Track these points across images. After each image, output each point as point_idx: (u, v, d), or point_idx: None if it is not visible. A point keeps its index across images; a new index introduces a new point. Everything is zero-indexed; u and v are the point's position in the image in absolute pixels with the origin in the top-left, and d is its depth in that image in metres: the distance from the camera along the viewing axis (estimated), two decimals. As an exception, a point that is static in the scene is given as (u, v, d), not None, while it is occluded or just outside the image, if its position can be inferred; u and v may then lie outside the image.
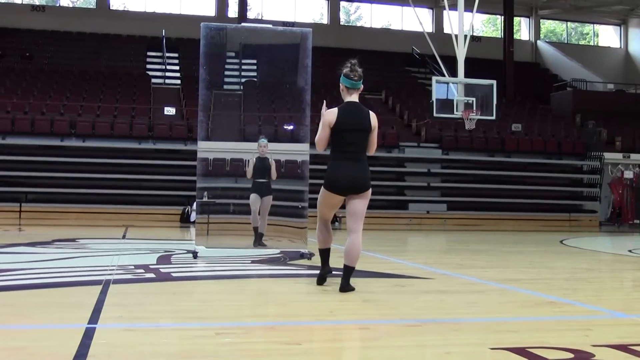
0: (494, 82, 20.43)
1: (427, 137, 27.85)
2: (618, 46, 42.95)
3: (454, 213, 25.80)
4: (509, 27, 35.74)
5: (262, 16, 37.96)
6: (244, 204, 11.98)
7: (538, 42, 41.72)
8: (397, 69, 36.70)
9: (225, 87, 12.67)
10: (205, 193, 10.96)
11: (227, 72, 12.60)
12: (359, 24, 41.53)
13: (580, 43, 44.34)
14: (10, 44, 32.54)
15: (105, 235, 15.71)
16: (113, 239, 14.72)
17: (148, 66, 33.56)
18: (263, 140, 12.02)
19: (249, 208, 11.90)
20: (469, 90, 20.04)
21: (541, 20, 42.51)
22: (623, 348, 4.48)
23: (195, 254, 10.19)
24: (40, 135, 24.05)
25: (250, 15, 36.66)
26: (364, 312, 5.97)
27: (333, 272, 7.35)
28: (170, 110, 26.25)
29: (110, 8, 36.59)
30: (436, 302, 6.52)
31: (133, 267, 8.87)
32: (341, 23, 39.78)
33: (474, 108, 19.79)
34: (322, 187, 6.97)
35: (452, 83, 20.15)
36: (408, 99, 31.87)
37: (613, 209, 28.51)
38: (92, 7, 36.97)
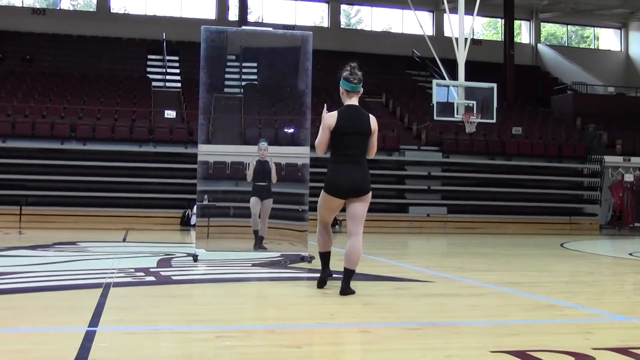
0: (495, 85, 20.43)
1: (427, 140, 27.85)
2: (618, 49, 42.98)
3: (455, 216, 25.80)
4: (509, 31, 35.76)
5: (262, 19, 37.97)
6: (244, 207, 11.98)
7: (538, 45, 41.75)
8: (398, 72, 36.72)
9: (226, 90, 12.65)
10: (206, 196, 10.95)
11: (227, 75, 12.57)
12: (359, 27, 41.54)
13: (580, 46, 44.36)
14: (11, 47, 32.57)
15: (106, 238, 15.71)
16: (113, 242, 14.73)
17: (148, 69, 33.58)
18: (263, 144, 12.03)
19: (249, 211, 11.90)
20: (469, 93, 20.04)
21: (542, 24, 42.53)
22: (624, 351, 4.48)
23: (195, 257, 10.19)
24: (41, 139, 24.05)
25: (251, 18, 36.69)
26: (364, 315, 5.96)
27: (333, 275, 7.35)
28: (170, 114, 26.26)
29: (111, 11, 36.62)
30: (437, 305, 6.51)
31: (133, 270, 8.87)
32: (342, 26, 39.80)
33: (475, 111, 19.79)
34: (322, 190, 6.97)
35: (453, 86, 20.15)
36: (408, 102, 31.88)
37: (613, 212, 28.52)
38: (92, 10, 37.00)
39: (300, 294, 7.19)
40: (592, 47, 44.31)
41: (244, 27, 15.43)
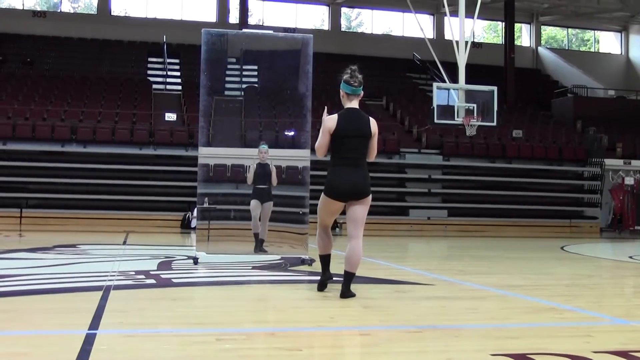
0: (495, 88, 20.43)
1: (427, 143, 27.86)
2: (619, 52, 42.99)
3: (455, 219, 25.78)
4: (509, 34, 35.79)
5: (263, 22, 38.01)
6: (244, 210, 11.97)
7: (539, 48, 41.77)
8: (398, 75, 36.73)
9: (226, 93, 12.65)
10: (206, 199, 10.95)
11: (228, 78, 12.57)
12: (360, 30, 41.56)
13: (581, 49, 44.38)
14: (12, 50, 32.59)
15: (106, 241, 15.71)
16: (114, 244, 14.72)
17: (149, 72, 33.60)
18: (263, 146, 12.02)
19: (250, 214, 11.89)
20: (469, 96, 20.05)
21: (542, 27, 42.54)
22: (624, 354, 4.48)
23: (195, 260, 10.19)
24: (41, 141, 24.05)
25: (251, 21, 36.71)
26: (364, 318, 5.96)
27: (334, 278, 7.35)
28: (171, 116, 26.26)
29: (112, 14, 36.66)
30: (437, 308, 6.51)
31: (134, 273, 8.86)
32: (342, 29, 39.82)
33: (475, 114, 19.78)
34: (323, 193, 6.98)
35: (453, 89, 20.15)
36: (409, 105, 31.89)
37: (614, 215, 28.50)
38: (93, 13, 37.03)
39: (301, 297, 7.19)
40: (592, 50, 44.33)
41: (244, 30, 15.45)
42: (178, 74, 33.11)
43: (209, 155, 11.36)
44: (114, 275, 8.42)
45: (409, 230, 24.75)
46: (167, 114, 26.30)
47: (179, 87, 31.50)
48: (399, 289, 7.83)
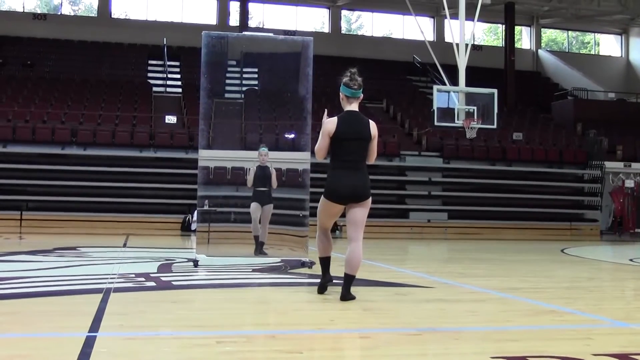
0: (495, 91, 20.42)
1: (428, 145, 27.86)
2: (619, 55, 42.99)
3: (455, 222, 25.78)
4: (510, 36, 35.80)
5: (263, 25, 38.02)
6: (244, 212, 11.97)
7: (539, 51, 41.77)
8: (398, 77, 36.74)
9: (227, 95, 12.68)
10: (206, 201, 10.96)
11: (228, 81, 12.60)
12: (360, 33, 41.56)
13: (581, 52, 44.38)
14: (12, 52, 32.60)
15: (106, 244, 15.71)
16: (114, 247, 14.72)
17: (149, 74, 33.61)
18: (263, 149, 12.02)
19: (250, 217, 11.90)
20: (470, 99, 20.05)
21: (542, 29, 42.54)
22: (624, 357, 4.48)
23: (196, 263, 10.19)
24: (41, 144, 24.05)
25: (252, 24, 36.71)
26: (364, 321, 5.96)
27: (334, 281, 7.35)
28: (171, 119, 26.26)
29: (112, 16, 36.66)
30: (437, 311, 6.51)
31: (134, 275, 8.87)
32: (342, 32, 39.83)
33: (475, 117, 19.78)
34: (322, 196, 6.98)
35: (453, 92, 20.15)
36: (409, 108, 31.89)
37: (614, 218, 28.49)
38: (93, 15, 37.03)
39: (301, 300, 7.19)
40: (592, 53, 44.32)
41: (244, 33, 15.47)
42: (178, 76, 33.12)
43: (209, 157, 11.37)
44: (114, 278, 8.42)
45: (409, 232, 24.74)
46: (167, 117, 26.30)
47: (179, 90, 31.49)
48: (399, 292, 7.83)
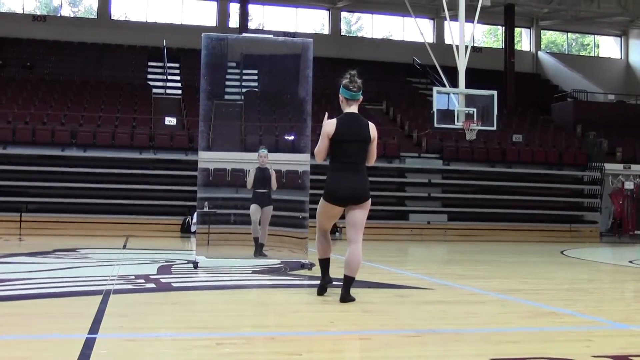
0: (495, 92, 20.42)
1: (427, 147, 27.86)
2: (618, 57, 43.00)
3: (455, 224, 25.78)
4: (509, 38, 35.81)
5: (263, 26, 38.02)
6: (244, 214, 11.98)
7: (539, 52, 41.78)
8: (398, 79, 36.74)
9: (226, 97, 12.66)
10: (206, 203, 10.95)
11: (228, 82, 12.58)
12: (360, 35, 41.58)
13: (581, 54, 44.40)
14: (12, 54, 32.60)
15: (106, 245, 15.71)
16: (113, 249, 14.72)
17: (149, 76, 33.60)
18: (263, 151, 12.03)
19: (250, 218, 11.90)
20: (469, 100, 20.04)
21: (542, 31, 42.55)
22: (623, 359, 4.48)
23: (195, 264, 10.19)
24: (41, 145, 24.05)
25: (252, 25, 36.72)
26: (364, 322, 5.96)
27: (333, 283, 7.35)
28: (171, 121, 26.26)
29: (112, 18, 36.64)
30: (437, 312, 6.51)
31: (133, 277, 8.87)
32: (342, 33, 39.82)
33: (475, 119, 19.78)
34: (322, 197, 6.98)
35: (453, 93, 20.14)
36: (409, 110, 31.89)
37: (614, 220, 28.51)
38: (93, 17, 37.03)
39: (301, 301, 7.19)
40: (592, 54, 44.34)
41: (244, 34, 15.47)
42: (178, 78, 33.12)
43: (209, 159, 11.37)
44: (113, 280, 8.42)
45: (409, 234, 24.74)
46: (167, 118, 26.30)
47: (179, 92, 31.50)
48: (398, 294, 7.83)
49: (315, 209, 7.17)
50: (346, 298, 6.79)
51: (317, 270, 8.07)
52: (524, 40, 42.04)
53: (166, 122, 26.13)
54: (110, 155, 24.24)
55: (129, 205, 23.43)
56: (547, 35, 44.19)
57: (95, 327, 5.23)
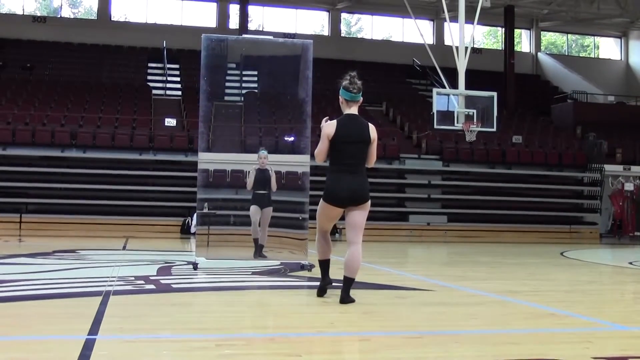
0: (495, 94, 20.42)
1: (427, 148, 27.86)
2: (618, 58, 43.01)
3: (455, 225, 25.78)
4: (509, 39, 35.81)
5: (263, 28, 38.01)
6: (244, 215, 11.97)
7: (539, 54, 41.78)
8: (398, 80, 36.74)
9: (226, 98, 12.65)
10: (206, 204, 10.95)
11: (227, 84, 12.57)
12: (359, 36, 41.57)
13: (580, 55, 44.39)
14: (11, 55, 32.58)
15: (106, 246, 15.71)
16: (113, 250, 14.72)
17: (149, 77, 33.59)
18: (263, 152, 12.02)
19: (249, 219, 11.89)
20: (469, 102, 20.04)
21: (542, 33, 42.55)
22: (624, 360, 4.48)
23: (195, 266, 10.19)
24: (41, 146, 24.04)
25: (251, 26, 36.70)
26: (364, 323, 5.96)
27: (333, 284, 7.35)
28: (171, 122, 26.27)
29: (112, 19, 36.64)
30: (437, 314, 6.51)
31: (133, 278, 8.86)
32: (342, 35, 39.82)
33: (475, 120, 19.78)
34: (322, 199, 6.98)
35: (453, 95, 20.15)
36: (409, 111, 31.89)
37: (614, 221, 28.49)
38: (93, 18, 37.03)
39: (300, 303, 7.19)
40: (592, 56, 44.35)
41: (244, 36, 15.44)
42: (178, 79, 33.12)
43: (208, 160, 11.37)
44: (113, 281, 8.42)
45: (409, 235, 24.74)
46: (167, 119, 26.31)
47: (179, 93, 31.50)
48: (398, 295, 7.83)
49: (315, 210, 7.17)
50: (346, 299, 6.79)
51: (316, 272, 8.07)
52: (523, 41, 42.04)
53: (166, 123, 26.14)
54: (110, 156, 24.24)
55: (128, 206, 23.43)
56: (547, 37, 44.20)
57: (95, 328, 5.22)
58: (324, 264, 7.25)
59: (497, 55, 37.20)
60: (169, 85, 32.15)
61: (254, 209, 11.87)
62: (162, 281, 8.72)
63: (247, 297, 7.72)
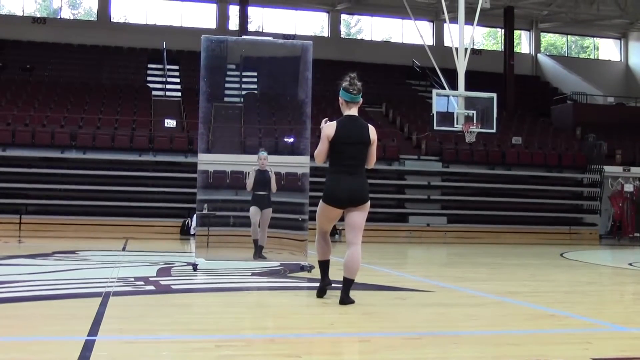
0: (495, 95, 20.43)
1: (427, 149, 27.86)
2: (618, 59, 43.01)
3: (454, 226, 25.78)
4: (509, 41, 35.82)
5: (262, 29, 38.02)
6: (244, 216, 11.97)
7: (538, 55, 41.78)
8: (398, 81, 36.73)
9: (226, 99, 12.65)
10: (206, 205, 10.95)
11: (227, 85, 12.57)
12: (359, 37, 41.58)
13: (580, 56, 44.42)
14: (11, 56, 32.57)
15: (105, 248, 15.70)
16: (113, 251, 14.71)
17: (149, 78, 33.59)
18: (263, 153, 12.02)
19: (249, 220, 11.89)
20: (469, 103, 20.04)
21: (541, 34, 42.56)
22: (623, 361, 4.49)
23: (195, 267, 10.18)
24: (41, 147, 24.04)
25: (251, 27, 36.70)
26: (363, 324, 5.96)
27: (333, 285, 7.35)
28: (170, 123, 26.27)
29: (111, 20, 36.63)
30: (436, 315, 6.51)
31: (133, 279, 8.86)
32: (342, 36, 39.82)
33: (475, 121, 19.78)
34: (321, 200, 6.98)
35: (453, 96, 20.16)
36: (408, 112, 31.89)
37: (613, 222, 28.48)
38: (93, 19, 37.03)
39: (300, 303, 7.19)
40: (591, 57, 44.36)
41: (244, 37, 15.44)
42: (178, 80, 33.11)
43: (208, 161, 11.36)
44: (113, 282, 8.42)
45: (409, 236, 24.75)
46: (166, 121, 26.31)
47: (179, 94, 31.50)
48: (398, 296, 7.83)
49: (315, 211, 7.17)
50: (345, 300, 6.79)
51: (316, 273, 8.07)
52: (523, 42, 42.05)
53: (166, 124, 26.13)
54: (110, 157, 24.24)
55: (128, 207, 23.43)
56: (547, 38, 44.21)
57: (94, 329, 5.22)
58: (324, 265, 7.25)
59: (497, 57, 37.20)
60: (168, 86, 32.15)
61: (253, 210, 11.87)
62: (162, 282, 8.72)
63: (246, 298, 7.72)
